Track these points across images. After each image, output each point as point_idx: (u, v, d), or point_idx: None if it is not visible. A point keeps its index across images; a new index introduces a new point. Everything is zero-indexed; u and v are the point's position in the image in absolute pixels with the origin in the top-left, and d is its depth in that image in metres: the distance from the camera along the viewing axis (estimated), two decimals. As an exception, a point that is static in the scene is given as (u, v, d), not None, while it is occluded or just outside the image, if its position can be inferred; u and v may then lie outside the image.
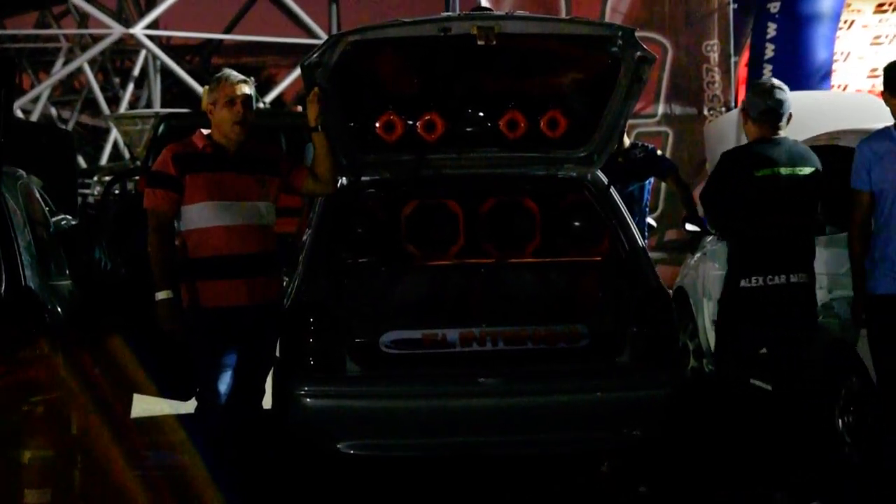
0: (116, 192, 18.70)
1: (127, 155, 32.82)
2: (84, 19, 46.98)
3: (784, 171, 6.58)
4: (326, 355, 6.65)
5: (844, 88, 15.86)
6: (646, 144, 9.36)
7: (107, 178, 23.86)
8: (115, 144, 40.08)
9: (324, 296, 6.81)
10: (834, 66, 15.54)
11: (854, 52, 16.14)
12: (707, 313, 9.23)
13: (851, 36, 16.08)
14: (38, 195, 7.41)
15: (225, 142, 6.33)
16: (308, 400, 6.60)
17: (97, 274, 7.34)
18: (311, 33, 41.73)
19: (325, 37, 19.10)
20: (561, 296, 7.30)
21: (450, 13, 7.57)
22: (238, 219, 6.27)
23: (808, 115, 10.11)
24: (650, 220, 9.56)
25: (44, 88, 44.38)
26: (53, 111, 47.71)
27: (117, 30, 41.53)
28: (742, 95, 14.13)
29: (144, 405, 7.99)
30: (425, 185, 7.50)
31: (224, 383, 6.21)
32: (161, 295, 6.19)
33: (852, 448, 7.00)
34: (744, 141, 6.99)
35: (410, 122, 7.30)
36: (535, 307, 7.20)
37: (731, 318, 6.69)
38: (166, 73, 42.84)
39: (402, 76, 7.36)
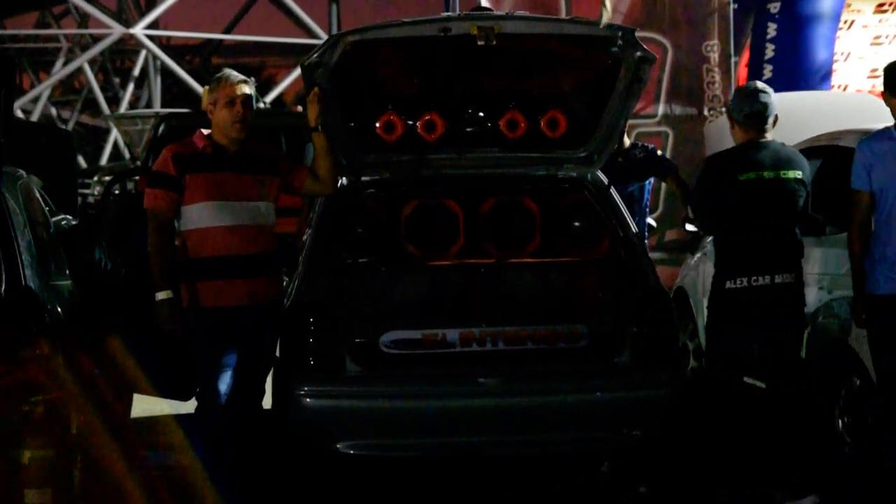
0: (116, 192, 18.69)
1: (127, 155, 32.82)
2: (84, 19, 46.98)
3: (768, 174, 6.66)
4: (326, 355, 6.66)
5: (845, 89, 15.86)
6: (646, 144, 9.36)
7: (107, 178, 23.84)
8: (116, 144, 40.08)
9: (324, 296, 6.81)
10: (834, 67, 15.54)
11: (854, 52, 16.13)
12: (706, 313, 9.24)
13: (851, 36, 16.07)
14: (38, 195, 7.41)
15: (225, 142, 6.33)
16: (308, 400, 6.60)
17: (97, 274, 7.34)
18: (311, 33, 41.73)
19: (325, 37, 19.10)
20: (561, 296, 7.30)
21: (450, 13, 7.56)
22: (238, 219, 6.27)
23: (808, 115, 10.13)
24: (650, 220, 9.56)
25: (44, 88, 44.36)
26: (53, 111, 47.70)
27: (117, 30, 41.52)
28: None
29: (144, 405, 7.99)
30: (425, 186, 7.50)
31: (224, 383, 6.21)
32: (161, 295, 6.19)
33: (852, 448, 7.00)
34: (743, 141, 7.03)
35: (410, 122, 7.30)
36: (535, 307, 7.20)
37: (717, 319, 6.76)
38: (166, 73, 42.83)
39: (402, 76, 7.36)
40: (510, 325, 6.96)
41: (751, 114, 6.74)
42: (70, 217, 8.18)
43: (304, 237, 7.34)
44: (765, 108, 6.74)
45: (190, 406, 6.65)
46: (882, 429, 6.39)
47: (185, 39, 50.77)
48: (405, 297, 7.24)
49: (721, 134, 11.64)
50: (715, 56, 14.79)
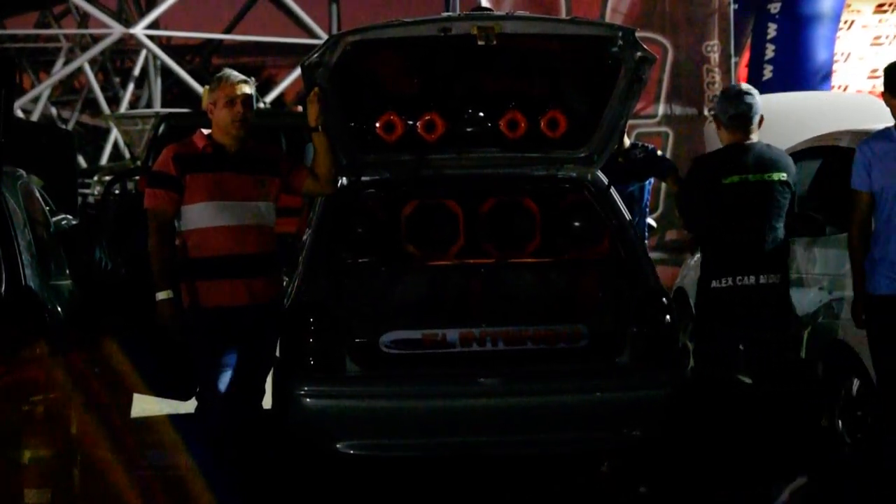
0: (117, 192, 18.69)
1: (127, 155, 32.84)
2: (84, 19, 47.02)
3: (753, 177, 6.73)
4: (326, 355, 6.66)
5: (845, 89, 15.87)
6: (646, 145, 9.36)
7: (107, 178, 23.86)
8: (116, 144, 40.11)
9: (324, 296, 6.82)
10: (834, 67, 15.54)
11: (854, 52, 16.14)
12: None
13: (851, 36, 16.08)
14: (38, 195, 7.41)
15: (225, 142, 6.33)
16: (308, 400, 6.60)
17: (97, 274, 7.34)
18: (311, 33, 41.74)
19: (325, 37, 19.09)
20: (561, 296, 7.30)
21: (450, 13, 7.56)
22: (238, 219, 6.27)
23: (808, 115, 10.14)
24: (650, 221, 9.56)
25: (44, 88, 44.39)
26: (54, 111, 47.73)
27: (118, 30, 41.54)
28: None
29: (144, 405, 7.99)
30: (425, 185, 7.50)
31: (224, 383, 6.21)
32: (161, 295, 6.19)
33: (852, 448, 7.00)
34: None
35: (410, 122, 7.30)
36: (535, 307, 7.20)
37: (703, 318, 6.80)
38: (166, 73, 42.86)
39: (402, 76, 7.36)
40: (510, 325, 6.96)
41: (736, 115, 6.81)
42: (70, 217, 8.18)
43: (304, 237, 7.34)
44: (750, 109, 6.79)
45: (190, 406, 6.65)
46: (882, 429, 6.39)
47: (186, 39, 50.80)
48: (405, 297, 7.24)
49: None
50: (715, 56, 14.77)
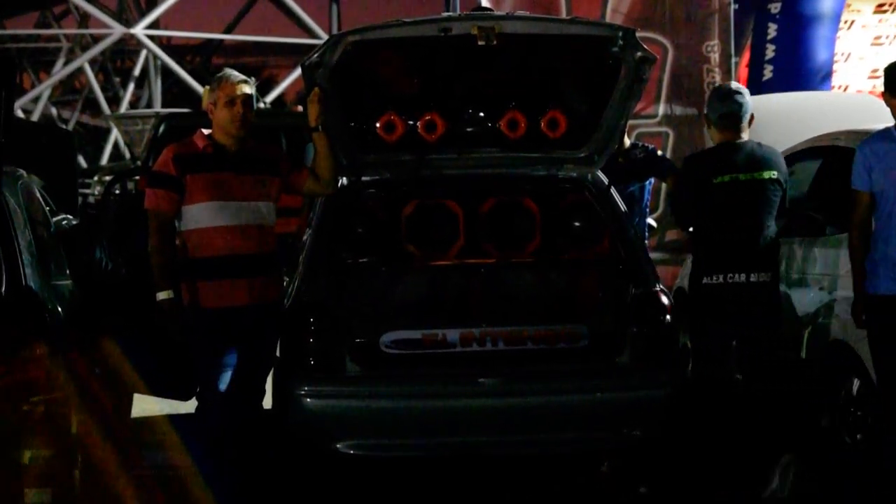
0: (117, 191, 18.70)
1: (127, 155, 32.85)
2: (85, 19, 47.04)
3: (743, 176, 6.74)
4: (326, 355, 6.66)
5: (845, 89, 15.86)
6: (646, 145, 9.35)
7: (107, 178, 23.88)
8: (116, 144, 40.15)
9: (324, 296, 6.82)
10: (834, 67, 15.53)
11: (855, 52, 16.13)
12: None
13: (852, 36, 16.07)
14: (38, 195, 7.41)
15: (225, 142, 6.33)
16: (308, 400, 6.60)
17: (97, 274, 7.34)
18: (311, 33, 41.78)
19: (325, 37, 19.09)
20: (561, 296, 7.30)
21: (450, 13, 7.56)
22: (238, 219, 6.27)
23: (809, 115, 10.14)
24: (650, 221, 9.55)
25: (44, 88, 44.42)
26: (54, 111, 47.76)
27: (118, 30, 41.57)
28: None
29: (144, 405, 8.00)
30: (425, 186, 7.50)
31: (224, 383, 6.21)
32: (162, 295, 6.19)
33: (852, 448, 7.00)
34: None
35: (411, 123, 7.30)
36: (535, 307, 7.21)
37: (696, 315, 6.81)
38: (167, 73, 42.89)
39: (402, 76, 7.36)
40: (510, 325, 6.96)
41: (725, 114, 6.84)
42: (70, 217, 8.19)
43: (305, 237, 7.34)
44: (740, 108, 6.82)
45: (190, 406, 6.65)
46: (882, 429, 6.39)
47: (186, 39, 50.85)
48: (405, 297, 7.24)
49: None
50: (715, 56, 14.76)
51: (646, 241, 8.35)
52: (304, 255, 7.07)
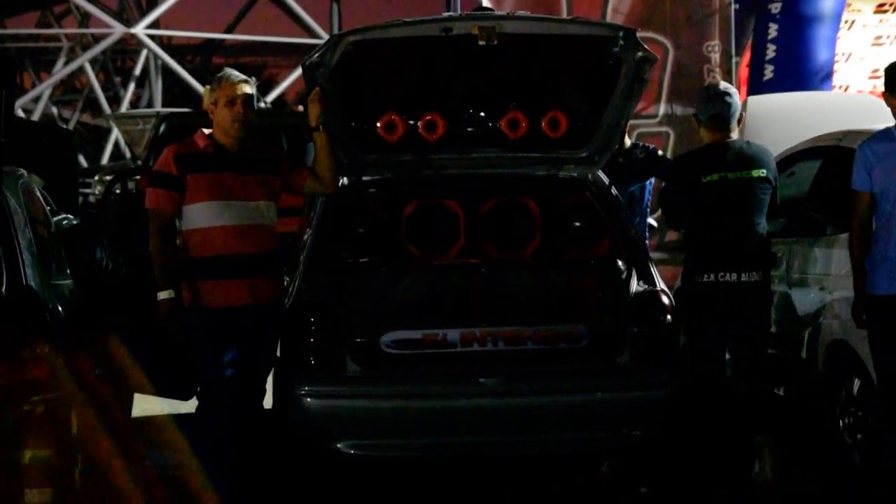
0: (117, 191, 18.72)
1: (128, 154, 32.86)
2: (85, 19, 47.07)
3: (732, 175, 6.75)
4: (327, 355, 6.66)
5: (846, 89, 15.86)
6: (647, 145, 9.34)
7: (108, 178, 23.88)
8: (116, 144, 40.13)
9: (324, 296, 6.82)
10: (835, 67, 15.53)
11: (855, 52, 16.13)
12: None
13: (852, 36, 16.07)
14: (39, 194, 7.41)
15: (226, 141, 6.33)
16: (308, 400, 6.60)
17: (98, 273, 7.34)
18: (312, 33, 41.77)
19: (326, 37, 19.10)
20: (561, 296, 7.30)
21: (451, 13, 7.56)
22: (239, 219, 6.27)
23: (809, 115, 10.15)
24: (651, 221, 9.55)
25: (45, 88, 44.42)
26: (55, 110, 47.77)
27: (118, 29, 41.57)
28: (743, 96, 14.13)
29: (144, 405, 8.00)
30: (426, 185, 7.50)
31: (224, 383, 6.21)
32: (163, 294, 6.19)
33: (852, 448, 7.01)
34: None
35: (411, 122, 7.30)
36: (535, 307, 7.20)
37: (689, 314, 6.81)
38: (167, 72, 42.89)
39: (403, 76, 7.36)
40: (510, 325, 6.96)
41: (714, 115, 6.87)
42: (71, 216, 8.18)
43: (305, 237, 7.34)
44: (728, 109, 6.85)
45: (190, 406, 6.65)
46: (882, 429, 6.39)
47: (187, 39, 50.86)
48: (406, 297, 7.24)
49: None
50: (716, 56, 14.78)
51: (646, 241, 8.35)
52: (305, 254, 7.07)
